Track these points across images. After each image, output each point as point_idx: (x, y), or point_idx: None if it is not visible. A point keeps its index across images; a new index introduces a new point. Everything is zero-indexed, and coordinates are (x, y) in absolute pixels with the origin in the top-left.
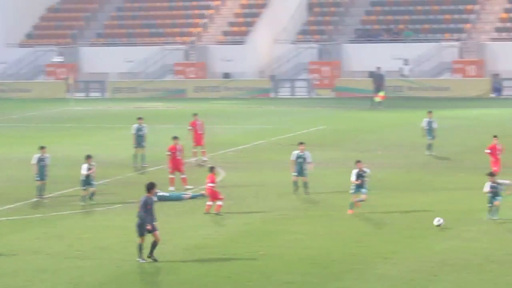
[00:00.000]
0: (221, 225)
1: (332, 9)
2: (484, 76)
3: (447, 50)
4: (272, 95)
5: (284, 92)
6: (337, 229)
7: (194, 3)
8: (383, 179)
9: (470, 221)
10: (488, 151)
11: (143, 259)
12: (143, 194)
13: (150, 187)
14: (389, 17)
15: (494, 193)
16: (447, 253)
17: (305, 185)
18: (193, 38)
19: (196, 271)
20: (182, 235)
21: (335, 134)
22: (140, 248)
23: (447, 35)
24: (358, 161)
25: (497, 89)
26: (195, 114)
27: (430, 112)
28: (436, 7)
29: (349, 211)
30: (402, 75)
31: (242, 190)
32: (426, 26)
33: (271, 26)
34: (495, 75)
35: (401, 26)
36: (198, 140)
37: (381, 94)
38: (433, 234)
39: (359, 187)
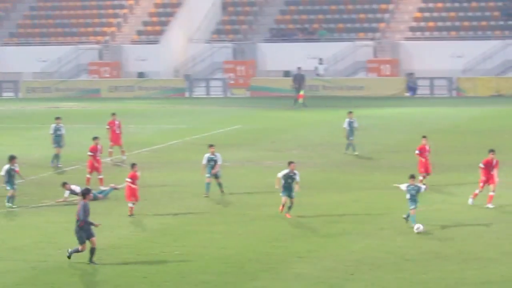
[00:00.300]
0: (136, 225)
1: (247, 8)
2: (399, 75)
3: (362, 49)
4: (187, 94)
5: (199, 91)
6: (253, 228)
7: (108, 3)
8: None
9: (386, 220)
10: (417, 152)
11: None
12: (59, 196)
13: (86, 192)
14: (304, 17)
15: (412, 196)
16: (363, 252)
17: (220, 185)
18: (107, 38)
19: (112, 271)
20: (98, 235)
21: (250, 133)
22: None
23: (361, 35)
24: (291, 162)
25: (412, 88)
26: (113, 114)
27: (350, 112)
28: (350, 7)
29: (287, 215)
30: (317, 75)
31: (157, 190)
32: (341, 25)
33: (185, 25)
34: (410, 74)
35: (315, 26)
36: (115, 139)
37: (301, 93)
38: (349, 233)
39: (289, 190)
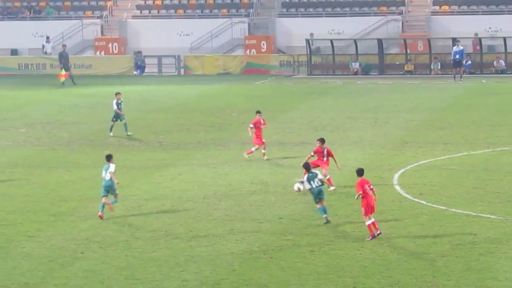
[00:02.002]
0: None
1: None
2: (127, 53)
3: (89, 27)
4: None
5: None
6: None
7: None
8: (27, 156)
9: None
10: (252, 125)
11: None
12: None
13: None
14: None
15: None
16: (93, 230)
17: None
18: None
19: None
20: None
21: None
22: None
23: (88, 13)
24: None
25: (140, 67)
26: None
27: (118, 93)
28: None
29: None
30: (45, 53)
31: None
32: (68, 3)
33: None
34: (138, 53)
35: (42, 4)
36: None
37: (63, 72)
38: (77, 212)
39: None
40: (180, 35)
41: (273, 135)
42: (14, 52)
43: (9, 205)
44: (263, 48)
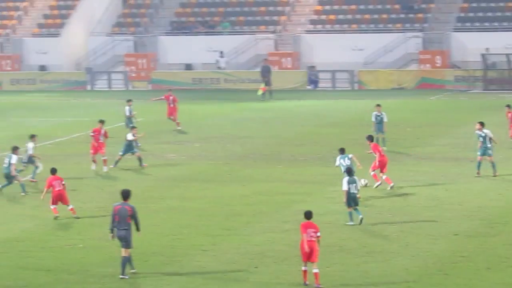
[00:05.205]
0: (40, 218)
1: (147, 1)
2: (300, 68)
3: (263, 42)
4: (88, 87)
5: (101, 84)
6: (156, 221)
7: None
8: (202, 171)
9: (288, 213)
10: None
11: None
12: None
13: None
14: (204, 9)
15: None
16: (267, 245)
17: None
18: (7, 31)
19: (15, 263)
20: (1, 227)
21: (152, 126)
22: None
23: (262, 28)
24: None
25: (313, 81)
26: (100, 121)
27: (378, 105)
28: (251, 0)
29: None
30: (219, 68)
31: None
32: (241, 18)
33: (86, 18)
34: (311, 67)
35: (216, 19)
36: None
37: (262, 86)
38: (251, 226)
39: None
40: (354, 49)
41: (448, 151)
42: (188, 67)
43: (184, 219)
44: (438, 63)
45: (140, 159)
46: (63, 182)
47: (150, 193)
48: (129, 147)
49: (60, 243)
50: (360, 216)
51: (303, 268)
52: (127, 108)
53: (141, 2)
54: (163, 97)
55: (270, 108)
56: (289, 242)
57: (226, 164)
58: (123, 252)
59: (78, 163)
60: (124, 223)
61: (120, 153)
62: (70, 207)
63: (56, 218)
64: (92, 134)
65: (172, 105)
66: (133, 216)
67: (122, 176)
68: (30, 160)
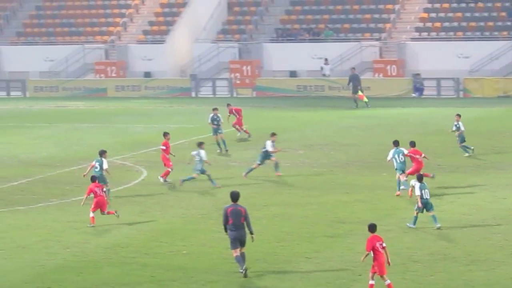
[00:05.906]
0: (143, 224)
1: (252, 8)
2: (405, 75)
3: (368, 49)
4: (193, 94)
5: (205, 91)
6: (259, 228)
7: (114, 2)
8: (305, 178)
9: (392, 221)
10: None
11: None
12: (66, 195)
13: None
14: (309, 17)
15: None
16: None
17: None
18: (113, 37)
19: (119, 270)
20: (105, 233)
21: (256, 133)
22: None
23: (367, 35)
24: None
25: (418, 89)
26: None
27: (458, 115)
28: (356, 7)
29: None
30: (323, 75)
31: (164, 189)
32: (346, 25)
33: (191, 25)
34: (416, 75)
35: (321, 26)
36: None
37: (360, 93)
38: (355, 234)
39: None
40: (459, 57)
41: None
42: (293, 74)
43: (287, 225)
44: None
45: (276, 165)
46: (104, 189)
47: (253, 200)
48: (266, 154)
49: (163, 249)
50: (438, 225)
51: (370, 282)
52: (214, 116)
53: (246, 9)
54: (230, 114)
55: (374, 116)
56: (393, 250)
57: (330, 171)
58: (237, 252)
59: (184, 170)
60: (239, 224)
61: (258, 162)
62: (106, 212)
63: (92, 226)
64: (163, 148)
65: (238, 116)
66: (246, 217)
67: (225, 183)
68: None
